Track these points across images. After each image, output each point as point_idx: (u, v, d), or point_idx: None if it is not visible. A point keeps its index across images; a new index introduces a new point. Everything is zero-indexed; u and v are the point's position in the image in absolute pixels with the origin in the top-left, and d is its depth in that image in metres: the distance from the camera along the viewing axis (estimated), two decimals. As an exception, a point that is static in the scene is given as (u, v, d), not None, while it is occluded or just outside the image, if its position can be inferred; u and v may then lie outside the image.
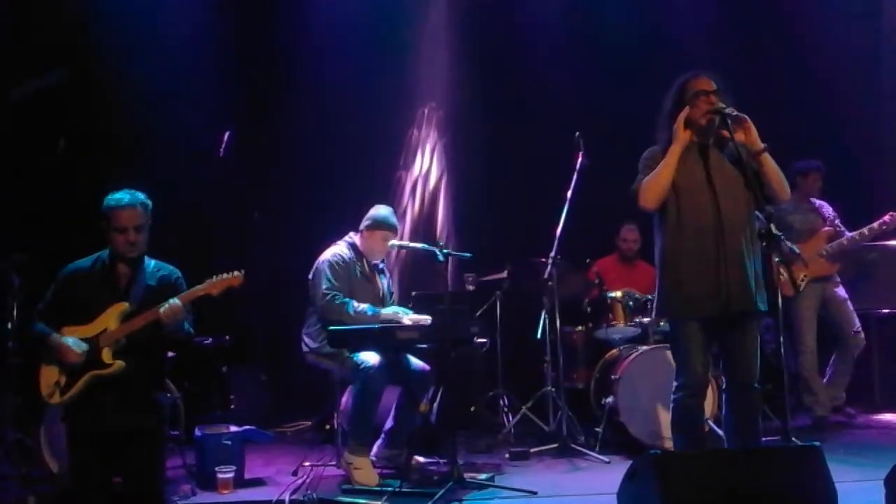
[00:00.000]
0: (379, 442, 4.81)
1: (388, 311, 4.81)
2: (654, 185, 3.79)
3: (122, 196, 3.69)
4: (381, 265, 5.08)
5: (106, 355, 3.59)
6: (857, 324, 5.77)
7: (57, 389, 3.61)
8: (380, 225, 4.93)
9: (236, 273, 3.73)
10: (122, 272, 3.74)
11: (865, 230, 5.61)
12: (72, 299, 3.70)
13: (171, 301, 3.59)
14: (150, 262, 3.82)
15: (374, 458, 4.70)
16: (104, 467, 3.59)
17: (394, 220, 4.99)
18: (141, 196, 3.74)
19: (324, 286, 4.74)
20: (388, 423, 4.84)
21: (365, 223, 4.96)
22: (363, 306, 4.73)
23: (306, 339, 4.85)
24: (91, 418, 3.59)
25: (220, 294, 3.71)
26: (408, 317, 4.80)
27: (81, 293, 3.70)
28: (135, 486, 3.61)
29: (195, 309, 3.80)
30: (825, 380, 5.84)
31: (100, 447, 3.57)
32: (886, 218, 5.52)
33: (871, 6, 6.87)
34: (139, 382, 3.66)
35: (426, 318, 4.78)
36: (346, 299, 4.71)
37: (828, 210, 5.92)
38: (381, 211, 4.99)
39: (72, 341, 3.60)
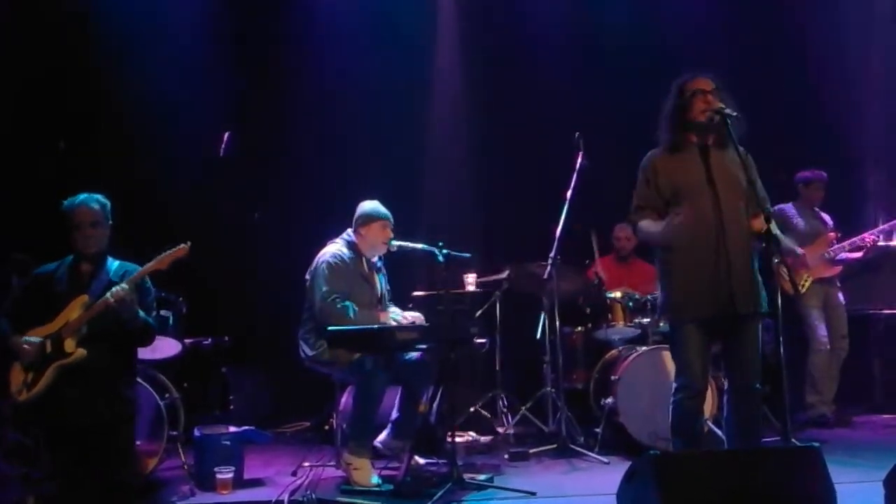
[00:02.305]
0: (386, 431, 4.81)
1: (387, 316, 4.82)
2: (642, 237, 3.97)
3: (77, 197, 3.89)
4: (378, 263, 4.99)
5: (68, 345, 3.70)
6: (846, 330, 5.93)
7: (24, 387, 3.70)
8: (373, 217, 4.83)
9: (182, 245, 3.81)
10: (85, 270, 3.89)
11: (868, 235, 5.83)
12: (39, 301, 3.84)
13: (116, 287, 3.69)
14: (114, 263, 3.94)
15: (379, 445, 4.71)
16: (82, 465, 3.63)
17: (384, 209, 4.87)
18: (97, 196, 3.91)
19: (323, 288, 4.66)
20: (394, 414, 4.84)
21: (358, 221, 4.85)
22: (368, 313, 4.71)
23: (303, 346, 4.79)
24: (60, 413, 3.66)
25: (169, 267, 3.79)
26: (402, 315, 4.80)
27: (47, 293, 3.84)
28: (107, 479, 3.65)
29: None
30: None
31: (75, 444, 3.63)
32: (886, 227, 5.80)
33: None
34: (105, 374, 3.74)
35: (418, 316, 4.80)
36: (347, 303, 4.67)
37: (828, 219, 6.11)
38: (368, 204, 4.88)
39: (25, 339, 3.73)
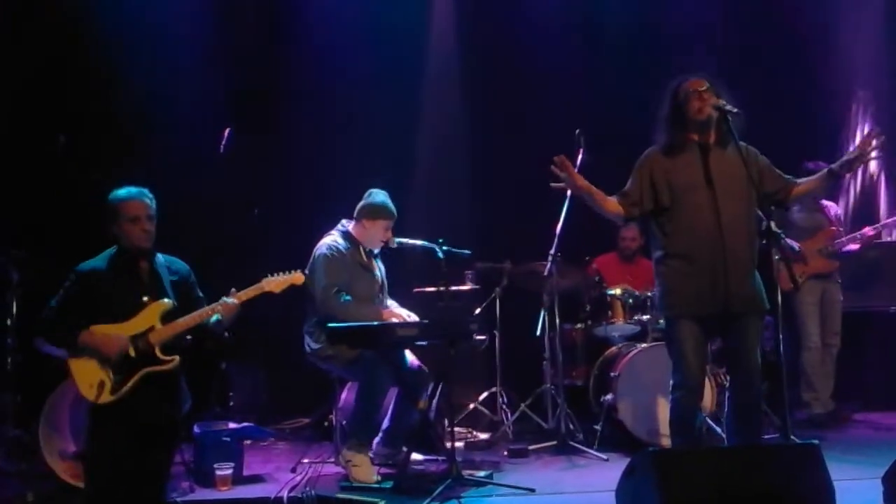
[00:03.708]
0: (376, 440, 4.80)
1: (388, 309, 4.81)
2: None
3: (129, 189, 3.72)
4: (375, 251, 4.96)
5: (159, 351, 3.58)
6: (839, 327, 5.87)
7: (104, 389, 3.52)
8: (381, 213, 4.81)
9: (298, 273, 3.79)
10: (142, 266, 3.72)
11: (869, 230, 5.70)
12: (93, 299, 3.62)
13: (228, 300, 3.63)
14: (160, 256, 3.82)
15: (371, 456, 4.69)
16: (126, 463, 3.54)
17: (392, 207, 4.85)
18: (146, 190, 3.78)
19: (322, 283, 4.65)
20: (385, 423, 4.83)
21: (363, 212, 4.83)
22: (370, 305, 4.73)
23: (308, 340, 4.78)
24: (137, 411, 3.55)
25: (282, 291, 3.78)
26: (400, 312, 4.82)
27: (103, 292, 3.63)
28: (142, 478, 3.61)
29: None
30: None
31: (128, 443, 3.54)
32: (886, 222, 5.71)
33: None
34: (176, 378, 3.69)
35: (412, 316, 4.80)
36: (348, 297, 4.66)
37: (833, 210, 6.01)
38: (378, 197, 4.84)
39: (114, 334, 3.54)
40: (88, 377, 3.55)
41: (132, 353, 3.56)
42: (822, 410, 5.78)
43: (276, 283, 3.78)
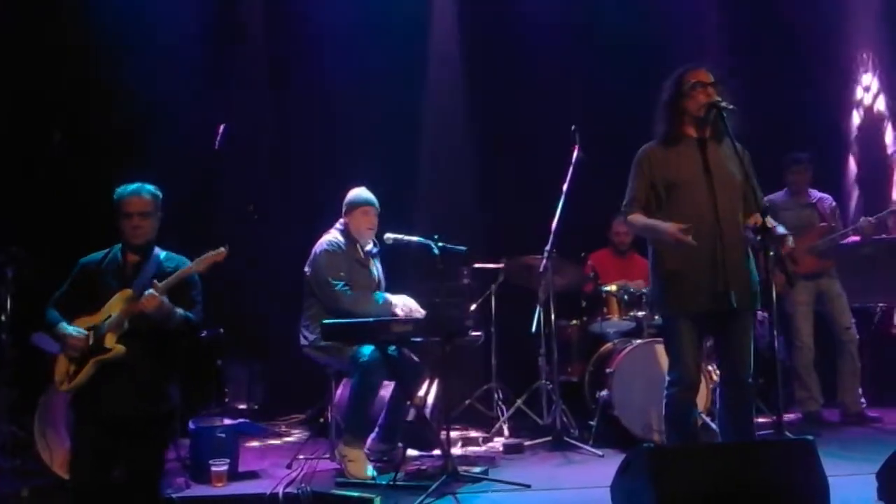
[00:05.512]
0: (372, 436, 4.81)
1: (398, 300, 4.83)
2: (634, 230, 3.93)
3: (129, 185, 3.81)
4: (374, 250, 5.05)
5: (109, 340, 3.62)
6: (851, 320, 5.74)
7: (66, 378, 3.65)
8: (354, 205, 4.96)
9: (221, 249, 3.74)
10: (131, 260, 3.79)
11: (859, 225, 5.59)
12: (83, 290, 3.76)
13: (147, 292, 3.58)
14: (161, 253, 3.85)
15: (366, 452, 4.69)
16: (105, 456, 3.58)
17: (367, 194, 4.99)
18: (149, 187, 3.83)
19: (325, 276, 4.72)
20: (381, 418, 4.84)
21: (344, 210, 5.00)
22: (373, 297, 4.78)
23: (304, 332, 4.83)
24: (98, 405, 3.59)
25: (206, 270, 3.73)
26: (408, 306, 4.83)
27: (92, 284, 3.76)
28: (133, 478, 3.61)
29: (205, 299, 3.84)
30: (839, 390, 5.79)
31: (104, 435, 3.57)
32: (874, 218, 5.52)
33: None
34: (147, 371, 3.67)
35: (411, 302, 4.84)
36: (355, 292, 4.73)
37: (826, 203, 5.87)
38: (353, 192, 5.02)
39: (73, 329, 3.65)
40: (62, 365, 3.69)
41: (90, 341, 3.64)
42: (816, 409, 5.73)
43: (200, 261, 3.73)
